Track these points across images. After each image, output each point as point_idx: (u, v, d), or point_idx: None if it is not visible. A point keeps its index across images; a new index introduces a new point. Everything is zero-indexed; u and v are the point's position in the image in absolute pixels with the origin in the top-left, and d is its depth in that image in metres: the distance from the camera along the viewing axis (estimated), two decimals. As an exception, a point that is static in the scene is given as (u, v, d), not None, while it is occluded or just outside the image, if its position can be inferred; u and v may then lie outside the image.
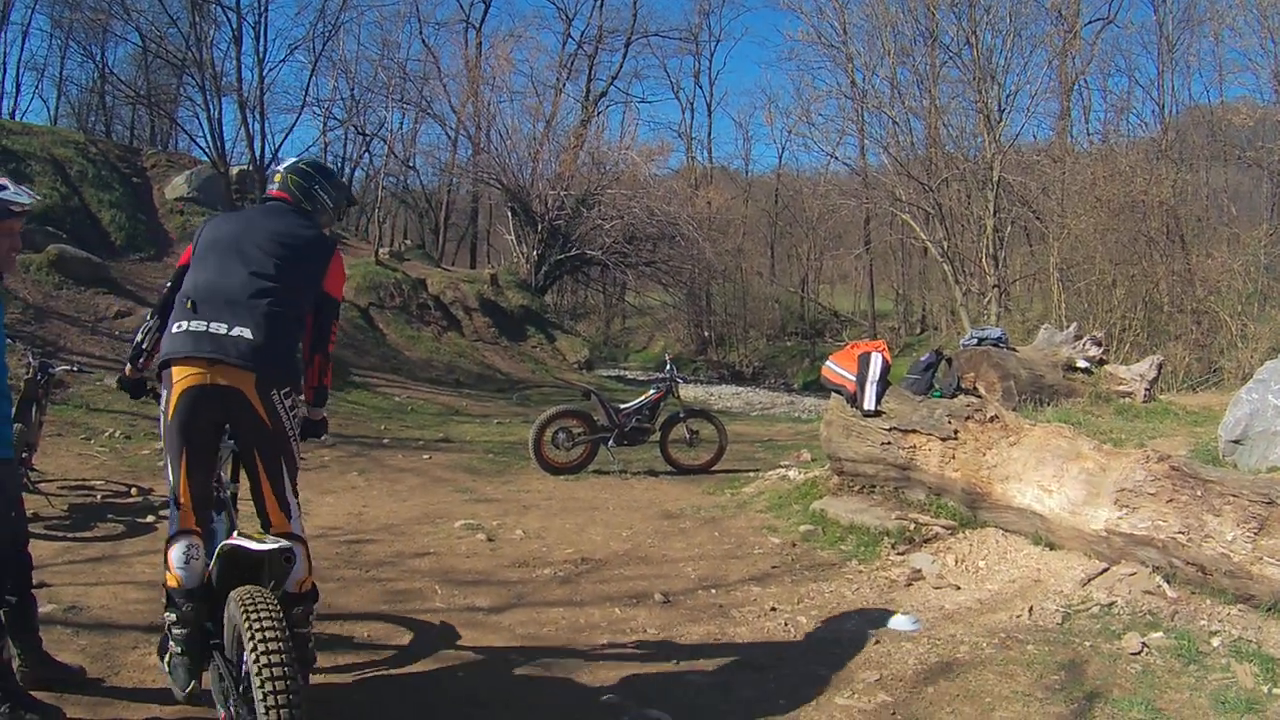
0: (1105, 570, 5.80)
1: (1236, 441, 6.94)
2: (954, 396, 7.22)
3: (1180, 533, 5.46)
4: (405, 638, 4.89)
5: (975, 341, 8.94)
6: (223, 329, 3.45)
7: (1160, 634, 4.99)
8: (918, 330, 31.15)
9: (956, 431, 6.73)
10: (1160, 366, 10.81)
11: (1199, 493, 5.50)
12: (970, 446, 6.60)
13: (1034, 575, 5.90)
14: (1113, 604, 5.43)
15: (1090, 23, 26.38)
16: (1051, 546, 6.14)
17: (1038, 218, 22.46)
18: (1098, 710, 4.20)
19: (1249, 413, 6.93)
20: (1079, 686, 4.44)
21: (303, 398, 3.79)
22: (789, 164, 42.89)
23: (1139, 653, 4.78)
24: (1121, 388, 9.95)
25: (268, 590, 3.11)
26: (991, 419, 6.72)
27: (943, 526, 6.66)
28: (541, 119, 31.33)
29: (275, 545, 3.18)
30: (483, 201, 39.83)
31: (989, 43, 22.65)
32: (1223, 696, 4.30)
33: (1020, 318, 20.63)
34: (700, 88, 54.16)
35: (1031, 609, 5.41)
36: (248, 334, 3.45)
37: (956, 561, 6.23)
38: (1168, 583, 5.48)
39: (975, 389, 7.45)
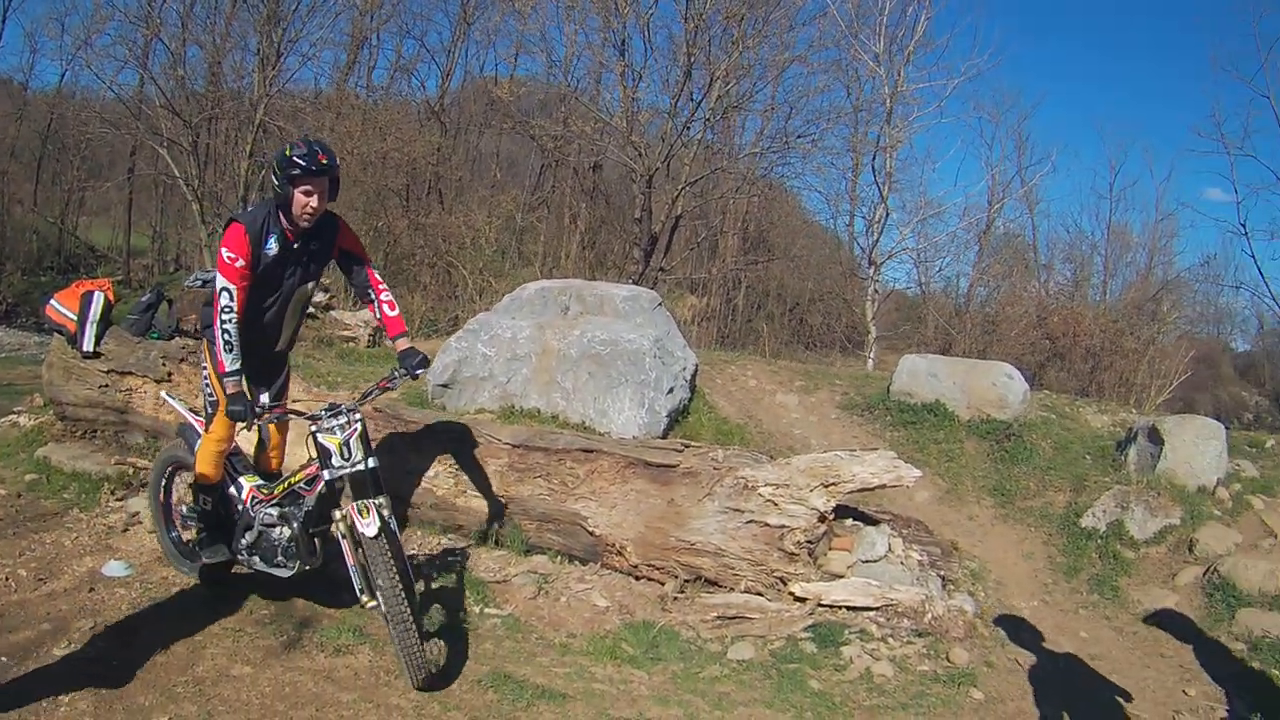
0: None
1: (445, 385, 7.77)
2: (172, 338, 7.14)
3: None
4: None
5: (199, 283, 8.81)
6: None
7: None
8: (172, 269, 29.77)
9: (171, 374, 6.70)
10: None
11: (400, 429, 6.08)
12: (184, 389, 6.58)
13: (246, 514, 6.11)
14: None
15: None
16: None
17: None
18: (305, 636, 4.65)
19: (457, 359, 7.77)
20: (289, 619, 4.83)
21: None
22: (70, 84, 38.03)
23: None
24: (346, 333, 10.59)
25: None
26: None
27: (159, 470, 6.56)
28: None
29: None
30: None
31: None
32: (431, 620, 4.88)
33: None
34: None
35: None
36: None
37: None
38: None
39: (195, 330, 7.42)
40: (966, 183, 53.50)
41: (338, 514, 4.32)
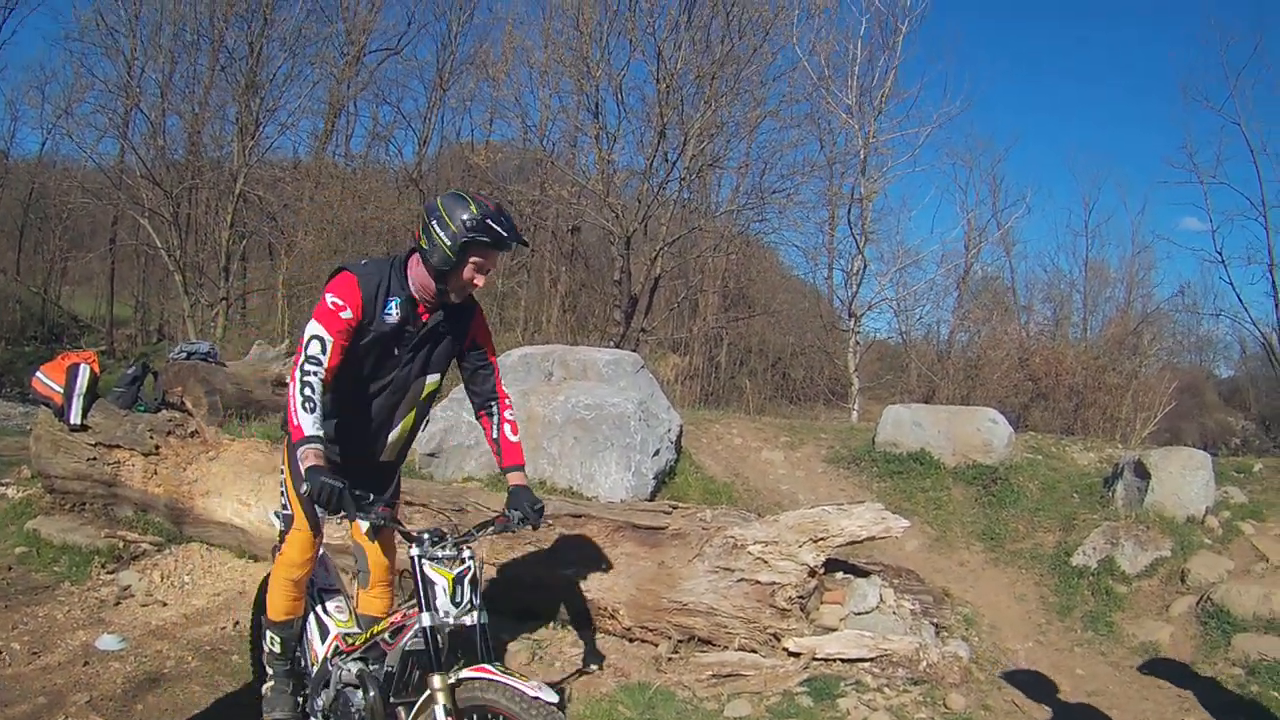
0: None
1: (432, 454, 7.76)
2: (159, 411, 7.17)
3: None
4: None
5: (184, 355, 8.90)
6: None
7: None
8: (155, 340, 29.75)
9: (158, 446, 6.70)
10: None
11: (389, 500, 6.09)
12: (172, 461, 6.61)
13: (238, 588, 6.12)
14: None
15: (376, 51, 27.12)
16: (255, 559, 6.35)
17: (282, 233, 22.77)
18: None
19: (444, 428, 7.74)
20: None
21: None
22: (51, 153, 38.14)
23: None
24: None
25: None
26: (192, 434, 6.78)
27: (150, 543, 6.64)
28: None
29: None
30: None
31: (268, 54, 22.50)
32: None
33: (258, 331, 20.58)
34: (-23, 55, 45.25)
35: (236, 621, 5.60)
36: None
37: (162, 577, 6.26)
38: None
39: (182, 403, 7.45)
40: (943, 229, 53.98)
41: (437, 681, 3.04)
